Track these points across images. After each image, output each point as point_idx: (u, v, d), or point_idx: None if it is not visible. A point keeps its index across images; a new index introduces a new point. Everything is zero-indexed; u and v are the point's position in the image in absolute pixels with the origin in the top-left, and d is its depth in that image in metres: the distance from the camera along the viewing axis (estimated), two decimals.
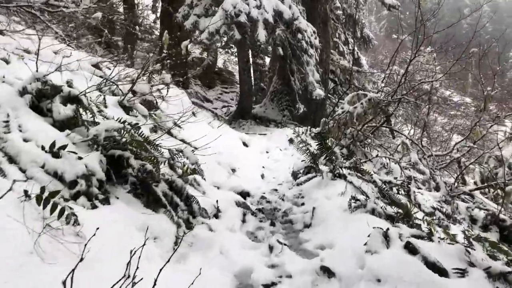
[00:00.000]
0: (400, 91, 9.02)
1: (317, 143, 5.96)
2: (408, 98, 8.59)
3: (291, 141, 6.19)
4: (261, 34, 10.26)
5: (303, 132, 9.37)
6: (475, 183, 9.22)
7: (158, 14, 21.01)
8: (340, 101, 10.95)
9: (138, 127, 5.22)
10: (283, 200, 5.44)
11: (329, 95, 13.75)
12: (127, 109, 5.70)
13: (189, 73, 22.76)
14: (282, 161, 7.97)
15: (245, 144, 8.62)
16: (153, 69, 6.86)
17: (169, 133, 6.47)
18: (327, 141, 6.47)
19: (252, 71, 18.64)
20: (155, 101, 6.79)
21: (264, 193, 5.80)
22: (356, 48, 21.29)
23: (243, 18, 10.01)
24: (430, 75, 11.51)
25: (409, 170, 9.28)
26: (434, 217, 6.58)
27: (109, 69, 8.40)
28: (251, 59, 18.67)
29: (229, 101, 21.36)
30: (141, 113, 5.80)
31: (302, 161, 6.52)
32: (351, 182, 5.53)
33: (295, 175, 6.29)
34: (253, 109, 14.09)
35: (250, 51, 15.28)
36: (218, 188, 5.19)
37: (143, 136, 4.81)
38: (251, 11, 10.08)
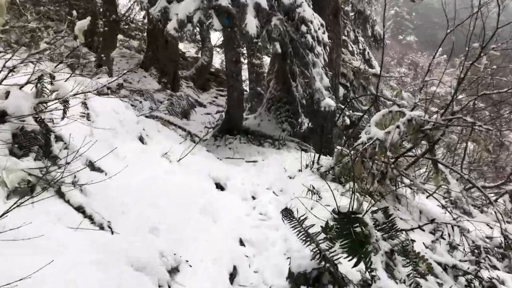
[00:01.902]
0: (451, 107, 5.82)
1: (336, 224, 2.77)
2: (468, 120, 5.36)
3: (286, 214, 3.18)
4: (251, 24, 7.07)
5: (307, 165, 6.14)
6: None
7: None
8: (366, 117, 7.71)
9: None
10: None
11: (339, 104, 10.53)
12: None
13: (180, 73, 19.62)
14: (275, 219, 4.77)
15: (219, 186, 5.43)
16: (43, 73, 3.66)
17: (59, 193, 3.31)
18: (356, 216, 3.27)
19: (248, 72, 15.44)
20: (43, 130, 3.59)
21: None
22: (367, 48, 18.11)
23: (225, 1, 6.82)
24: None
25: (452, 209, 6.10)
26: None
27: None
28: (246, 59, 15.48)
29: (225, 106, 18.22)
30: None
31: (307, 242, 3.30)
32: None
33: (295, 282, 3.09)
34: (246, 120, 10.90)
35: (243, 49, 12.12)
36: None
37: None
38: None
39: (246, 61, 15.77)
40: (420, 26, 52.72)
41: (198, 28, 7.20)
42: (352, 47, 17.65)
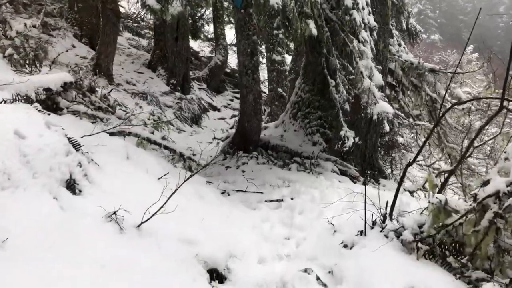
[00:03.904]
0: None
1: None
2: None
3: None
4: None
5: (374, 222, 3.36)
6: None
7: None
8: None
9: None
10: None
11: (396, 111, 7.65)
12: None
13: (192, 74, 17.05)
14: None
15: (216, 275, 2.74)
16: None
17: None
18: None
19: (266, 71, 12.68)
20: None
21: None
22: (402, 43, 15.23)
23: None
24: None
25: None
26: None
27: None
28: (264, 54, 12.76)
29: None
30: None
31: None
32: None
33: None
34: (265, 130, 8.20)
35: (257, 39, 9.46)
36: None
37: None
38: None
39: (264, 55, 13.07)
40: (444, 24, 49.01)
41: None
42: None
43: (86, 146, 3.51)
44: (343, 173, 6.65)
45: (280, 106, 10.85)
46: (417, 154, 3.51)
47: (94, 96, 7.65)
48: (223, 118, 15.38)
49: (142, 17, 21.39)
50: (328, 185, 4.84)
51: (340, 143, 5.92)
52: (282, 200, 4.56)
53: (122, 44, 17.42)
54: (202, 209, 3.56)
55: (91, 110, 4.57)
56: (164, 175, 3.81)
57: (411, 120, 7.87)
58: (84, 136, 3.71)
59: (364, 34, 6.47)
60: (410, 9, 17.82)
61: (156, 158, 4.37)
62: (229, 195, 4.80)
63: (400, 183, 3.65)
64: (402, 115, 7.86)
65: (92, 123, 4.57)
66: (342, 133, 5.82)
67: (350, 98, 6.20)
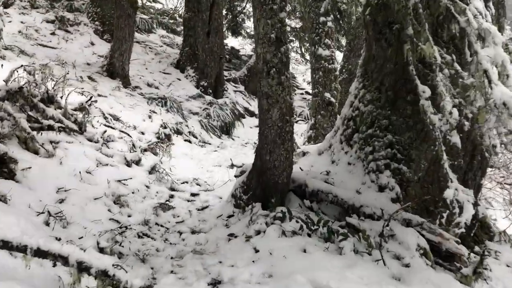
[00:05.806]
0: None
1: None
2: None
3: None
4: None
5: None
6: None
7: None
8: None
9: None
10: None
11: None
12: None
13: (228, 75, 14.34)
14: None
15: None
16: None
17: None
18: None
19: (310, 70, 9.55)
20: None
21: None
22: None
23: None
24: None
25: None
26: None
27: None
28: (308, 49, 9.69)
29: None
30: None
31: None
32: None
33: None
34: (302, 158, 5.28)
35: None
36: None
37: None
38: None
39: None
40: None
41: None
42: None
43: None
44: (434, 247, 3.61)
45: (328, 117, 7.85)
46: None
47: (52, 109, 5.10)
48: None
49: (180, 13, 19.03)
50: None
51: (443, 216, 2.89)
52: None
53: (154, 42, 15.15)
54: None
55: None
56: None
57: None
58: None
59: (478, 3, 3.39)
60: None
61: None
62: None
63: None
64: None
65: None
66: (448, 195, 2.72)
67: (467, 123, 3.08)
